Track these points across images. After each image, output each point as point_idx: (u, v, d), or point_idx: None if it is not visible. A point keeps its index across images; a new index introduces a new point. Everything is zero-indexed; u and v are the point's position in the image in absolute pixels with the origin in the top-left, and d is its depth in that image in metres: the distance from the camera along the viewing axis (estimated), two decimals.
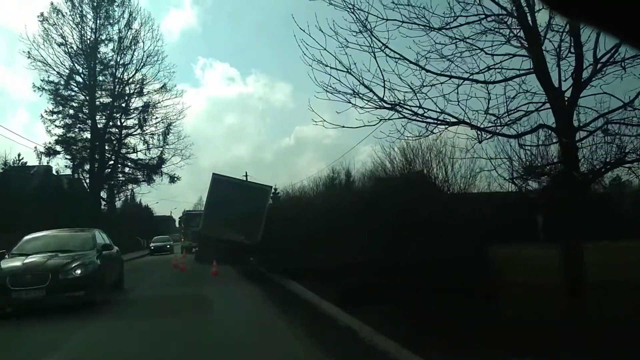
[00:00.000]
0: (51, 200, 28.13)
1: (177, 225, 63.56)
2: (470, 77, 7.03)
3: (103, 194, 37.92)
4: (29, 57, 33.72)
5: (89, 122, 35.73)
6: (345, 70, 6.85)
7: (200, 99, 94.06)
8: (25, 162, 32.19)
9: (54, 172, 36.24)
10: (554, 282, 7.69)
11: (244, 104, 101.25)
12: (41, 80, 34.81)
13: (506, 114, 6.77)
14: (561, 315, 5.97)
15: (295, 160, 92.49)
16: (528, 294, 6.83)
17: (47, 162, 34.94)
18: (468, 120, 6.63)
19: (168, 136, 37.04)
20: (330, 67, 6.89)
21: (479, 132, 6.59)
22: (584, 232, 6.95)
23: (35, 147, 34.73)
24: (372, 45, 6.97)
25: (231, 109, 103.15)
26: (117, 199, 42.32)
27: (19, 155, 31.22)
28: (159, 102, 36.93)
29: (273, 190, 24.77)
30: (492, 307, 6.43)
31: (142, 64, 36.04)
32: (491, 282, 7.49)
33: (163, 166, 37.48)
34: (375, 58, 6.71)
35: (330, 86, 7.02)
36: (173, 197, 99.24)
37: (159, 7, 78.82)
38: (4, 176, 28.30)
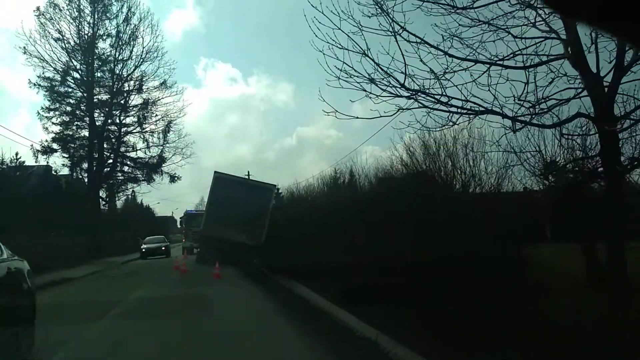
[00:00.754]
0: (50, 200, 27.49)
1: (178, 225, 62.89)
2: (498, 62, 6.41)
3: (102, 194, 37.18)
4: (24, 53, 32.87)
5: (86, 119, 34.82)
6: (361, 52, 6.23)
7: (202, 99, 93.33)
8: (23, 162, 31.36)
9: (52, 172, 35.46)
10: (581, 281, 7.33)
11: (246, 104, 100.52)
12: (37, 76, 33.96)
13: (539, 101, 6.13)
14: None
15: (297, 160, 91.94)
16: (563, 294, 6.37)
17: (46, 161, 34.02)
18: (498, 109, 5.99)
19: (168, 134, 35.96)
20: (345, 49, 6.26)
21: (512, 122, 5.95)
22: (626, 230, 6.35)
23: (32, 145, 33.55)
24: (391, 28, 6.35)
25: (233, 110, 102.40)
26: (117, 199, 41.61)
27: (16, 154, 30.27)
28: (159, 100, 35.96)
29: (275, 190, 24.13)
30: (528, 308, 6.13)
31: (141, 60, 35.09)
32: (514, 282, 7.13)
33: (163, 165, 36.44)
34: (396, 40, 6.09)
35: (345, 72, 6.40)
36: (174, 197, 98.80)
37: (161, 7, 78.02)
38: (0, 175, 27.63)
